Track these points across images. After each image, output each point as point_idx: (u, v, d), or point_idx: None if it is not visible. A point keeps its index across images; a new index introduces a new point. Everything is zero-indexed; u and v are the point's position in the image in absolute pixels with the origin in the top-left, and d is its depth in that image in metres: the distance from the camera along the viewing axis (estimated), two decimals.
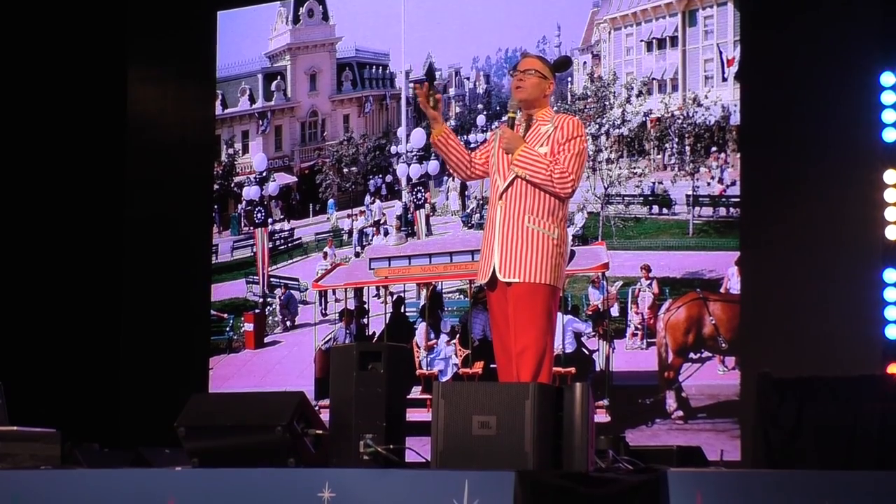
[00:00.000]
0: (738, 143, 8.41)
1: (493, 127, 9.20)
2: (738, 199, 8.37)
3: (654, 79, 8.85)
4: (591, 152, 8.91)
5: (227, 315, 10.19)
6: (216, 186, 10.38)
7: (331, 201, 10.14)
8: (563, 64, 6.32)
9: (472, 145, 9.57)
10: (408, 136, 9.81)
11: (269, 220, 10.25)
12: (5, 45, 9.68)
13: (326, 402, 5.76)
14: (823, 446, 5.25)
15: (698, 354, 8.36)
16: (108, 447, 7.34)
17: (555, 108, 8.95)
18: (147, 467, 6.46)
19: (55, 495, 5.21)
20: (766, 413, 5.45)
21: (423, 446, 4.98)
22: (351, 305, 9.72)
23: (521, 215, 5.88)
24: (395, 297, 9.59)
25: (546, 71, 6.06)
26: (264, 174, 10.28)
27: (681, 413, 8.31)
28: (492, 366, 8.95)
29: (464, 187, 9.56)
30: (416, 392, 9.03)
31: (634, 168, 8.85)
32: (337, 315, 9.78)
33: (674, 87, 8.78)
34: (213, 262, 10.27)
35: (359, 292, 9.72)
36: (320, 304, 9.93)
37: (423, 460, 5.04)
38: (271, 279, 10.13)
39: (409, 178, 9.73)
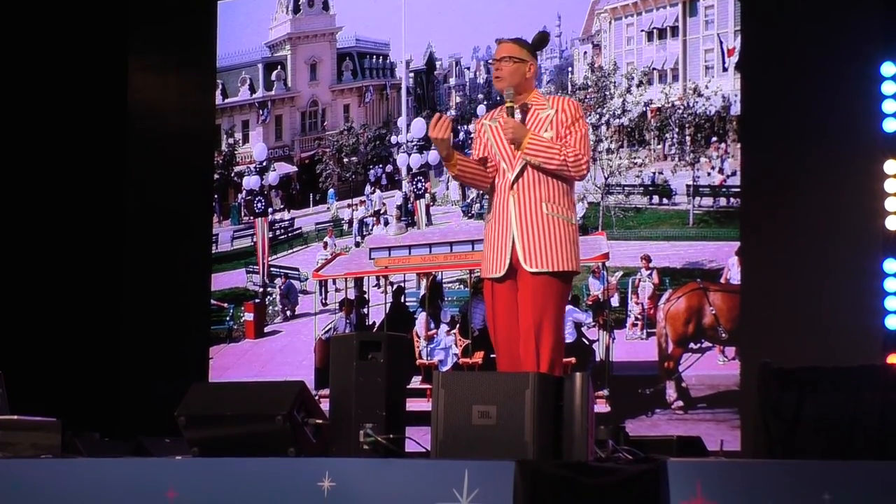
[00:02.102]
0: (739, 133, 8.40)
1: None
2: (738, 190, 8.36)
3: (654, 69, 8.84)
4: (591, 141, 8.91)
5: (228, 305, 10.19)
6: (216, 176, 10.38)
7: (331, 191, 10.13)
8: (541, 41, 6.14)
9: (473, 135, 9.58)
10: (408, 125, 9.81)
11: (270, 210, 10.25)
12: (6, 34, 9.67)
13: (326, 391, 5.76)
14: (824, 436, 5.25)
15: (698, 344, 8.36)
16: (108, 436, 7.35)
17: (547, 93, 8.97)
18: (147, 456, 6.46)
19: (55, 484, 5.22)
20: (766, 403, 5.45)
21: (423, 436, 4.98)
22: (351, 295, 9.72)
23: (538, 203, 5.86)
24: (395, 286, 9.59)
25: (524, 53, 5.96)
26: (264, 164, 10.28)
27: (681, 403, 8.31)
28: (492, 356, 8.97)
29: None
30: (416, 382, 9.03)
31: (635, 158, 8.85)
32: (337, 305, 9.78)
33: (674, 77, 8.77)
34: (213, 251, 10.27)
35: (359, 282, 9.72)
36: (320, 294, 9.93)
37: (423, 450, 5.04)
38: (271, 269, 10.13)
39: (409, 168, 9.72)
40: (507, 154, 5.95)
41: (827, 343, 7.39)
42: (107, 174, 10.14)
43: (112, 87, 10.23)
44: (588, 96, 9.03)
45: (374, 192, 9.90)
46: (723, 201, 8.52)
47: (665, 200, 8.75)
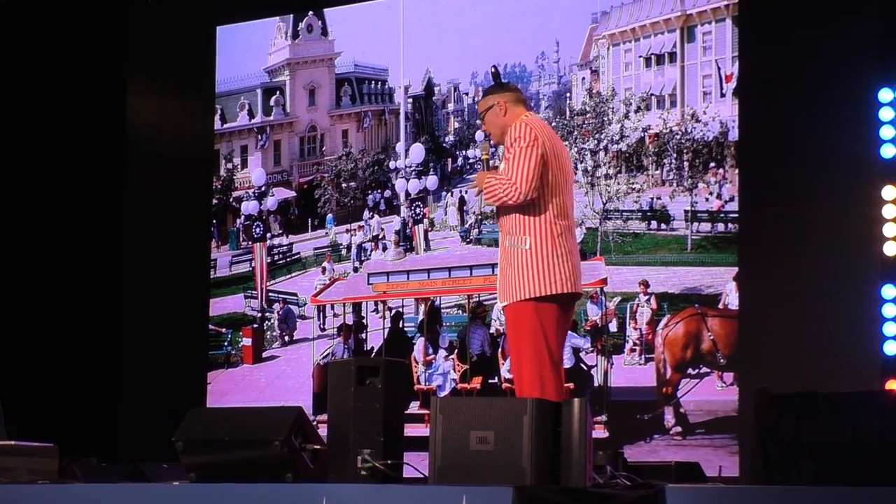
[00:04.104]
0: (737, 158, 8.41)
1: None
2: (736, 215, 8.36)
3: (652, 94, 8.86)
4: (589, 167, 8.92)
5: (226, 330, 10.19)
6: (215, 201, 10.39)
7: (329, 216, 10.14)
8: (494, 77, 6.31)
9: (472, 160, 9.60)
10: (406, 151, 9.82)
11: (268, 235, 10.25)
12: (6, 57, 9.70)
13: (324, 417, 5.76)
14: (822, 462, 5.24)
15: (697, 370, 8.35)
16: (105, 462, 7.32)
17: (545, 118, 8.99)
18: (145, 482, 6.45)
19: None
20: (764, 428, 5.45)
21: (421, 461, 4.98)
22: (349, 320, 9.71)
23: (503, 239, 5.94)
24: (393, 312, 9.58)
25: (489, 99, 6.06)
26: (263, 189, 10.29)
27: (679, 429, 8.30)
28: (489, 381, 8.97)
29: (462, 203, 9.57)
30: (414, 407, 9.02)
31: (633, 183, 8.86)
32: (335, 330, 9.77)
33: (672, 103, 8.79)
34: (211, 276, 10.27)
35: (357, 307, 9.72)
36: (318, 319, 9.92)
37: (421, 475, 5.03)
38: (270, 294, 10.13)
39: (407, 194, 9.73)
40: None
41: (825, 369, 7.39)
42: (106, 198, 10.15)
43: (111, 112, 10.25)
44: (586, 122, 9.05)
45: (372, 217, 9.90)
46: (721, 227, 8.52)
47: (663, 226, 8.75)
